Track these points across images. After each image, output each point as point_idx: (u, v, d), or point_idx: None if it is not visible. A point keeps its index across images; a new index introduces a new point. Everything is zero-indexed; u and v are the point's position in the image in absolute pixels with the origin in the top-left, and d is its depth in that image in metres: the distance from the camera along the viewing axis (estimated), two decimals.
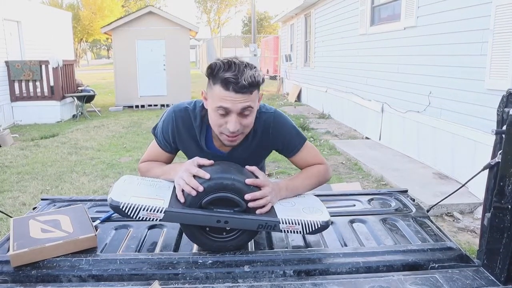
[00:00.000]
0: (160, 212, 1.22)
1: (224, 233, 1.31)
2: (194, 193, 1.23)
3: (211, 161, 1.31)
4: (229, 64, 1.26)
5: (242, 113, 1.30)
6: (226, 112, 1.29)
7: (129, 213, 1.21)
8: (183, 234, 1.47)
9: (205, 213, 1.25)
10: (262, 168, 1.68)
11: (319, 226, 1.28)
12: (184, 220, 1.26)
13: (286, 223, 1.25)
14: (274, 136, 1.46)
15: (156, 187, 1.36)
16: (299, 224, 1.26)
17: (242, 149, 1.46)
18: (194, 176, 1.26)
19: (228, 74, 1.24)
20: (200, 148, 1.46)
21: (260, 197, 1.26)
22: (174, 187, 1.34)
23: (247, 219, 1.26)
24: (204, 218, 1.25)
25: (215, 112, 1.31)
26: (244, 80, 1.24)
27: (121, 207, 1.21)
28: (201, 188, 1.23)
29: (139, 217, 1.21)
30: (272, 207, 1.32)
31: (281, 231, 1.27)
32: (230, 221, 1.25)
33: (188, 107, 1.45)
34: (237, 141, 1.38)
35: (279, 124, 1.47)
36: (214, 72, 1.28)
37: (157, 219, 1.22)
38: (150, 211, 1.21)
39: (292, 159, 1.52)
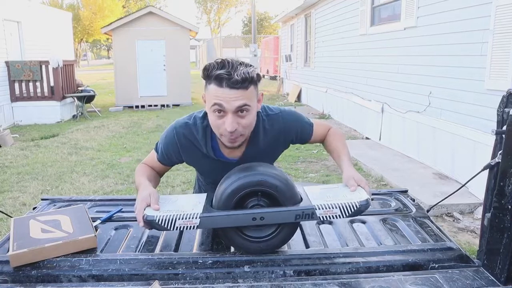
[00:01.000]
0: (196, 218, 1.21)
1: (266, 232, 1.29)
2: (141, 224, 1.24)
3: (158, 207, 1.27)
4: (223, 63, 1.27)
5: (238, 113, 1.28)
6: (222, 111, 1.28)
7: (165, 225, 1.21)
8: (183, 234, 1.47)
9: (240, 213, 1.24)
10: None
11: (357, 206, 1.23)
12: (220, 223, 1.25)
13: (322, 209, 1.23)
14: (286, 134, 1.50)
15: (181, 203, 1.35)
16: (336, 208, 1.23)
17: (252, 154, 1.44)
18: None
19: (221, 71, 1.24)
20: (209, 158, 1.45)
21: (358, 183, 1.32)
22: (206, 199, 1.34)
23: (283, 211, 1.24)
24: (240, 218, 1.24)
25: (213, 113, 1.30)
26: (237, 75, 1.23)
27: (156, 221, 1.21)
28: (141, 224, 1.24)
29: (176, 227, 1.21)
30: (306, 196, 1.31)
31: (318, 218, 1.24)
32: (266, 216, 1.23)
33: (188, 122, 1.44)
34: (237, 142, 1.35)
35: (287, 123, 1.49)
36: (208, 72, 1.27)
37: (194, 227, 1.22)
38: (186, 219, 1.21)
39: (308, 142, 1.59)
